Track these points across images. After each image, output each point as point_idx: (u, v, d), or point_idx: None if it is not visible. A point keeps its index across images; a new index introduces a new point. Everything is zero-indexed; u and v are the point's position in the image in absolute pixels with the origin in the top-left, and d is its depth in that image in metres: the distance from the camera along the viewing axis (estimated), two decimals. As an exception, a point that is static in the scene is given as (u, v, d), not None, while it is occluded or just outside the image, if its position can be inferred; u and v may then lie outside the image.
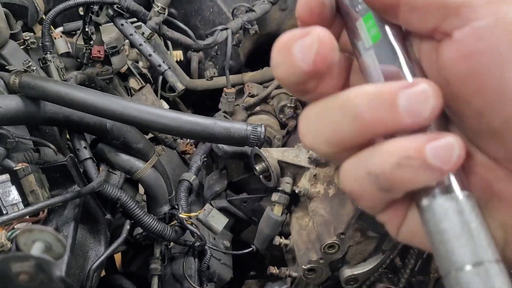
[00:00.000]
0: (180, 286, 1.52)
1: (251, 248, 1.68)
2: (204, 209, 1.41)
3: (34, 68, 1.13)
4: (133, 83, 1.95)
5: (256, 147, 1.61)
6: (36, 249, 0.43)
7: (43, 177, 1.11)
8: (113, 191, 1.28)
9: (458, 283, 0.32)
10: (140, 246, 1.65)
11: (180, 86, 1.33)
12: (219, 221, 1.40)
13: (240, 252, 1.69)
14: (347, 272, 1.49)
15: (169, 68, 1.37)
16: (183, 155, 1.98)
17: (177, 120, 0.97)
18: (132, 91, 1.94)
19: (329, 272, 1.51)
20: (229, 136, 0.98)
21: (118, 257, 2.02)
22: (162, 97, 2.14)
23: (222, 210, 1.78)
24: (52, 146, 1.17)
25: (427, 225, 0.34)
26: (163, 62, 1.35)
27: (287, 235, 1.67)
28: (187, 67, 2.13)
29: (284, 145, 2.03)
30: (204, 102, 2.40)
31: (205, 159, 1.72)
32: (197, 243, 1.54)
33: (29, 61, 1.12)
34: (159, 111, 1.00)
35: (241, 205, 1.76)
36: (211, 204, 1.78)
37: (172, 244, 1.61)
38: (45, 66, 1.30)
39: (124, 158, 1.33)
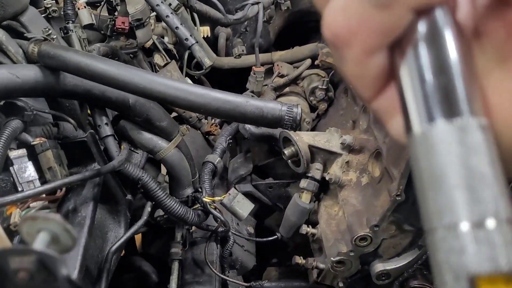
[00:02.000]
0: (201, 272, 1.45)
1: (276, 236, 1.60)
2: (229, 194, 1.33)
3: (55, 36, 1.06)
4: (158, 59, 1.87)
5: (286, 130, 1.52)
6: (40, 241, 0.36)
7: (62, 154, 1.04)
8: (135, 171, 1.21)
9: (445, 246, 0.23)
10: (160, 228, 1.59)
11: (207, 62, 1.24)
12: (245, 207, 1.32)
13: (265, 239, 1.61)
14: (379, 266, 1.39)
15: (197, 42, 1.28)
16: (207, 136, 1.90)
17: (206, 97, 0.89)
18: (157, 67, 1.87)
19: (359, 266, 1.42)
20: (262, 116, 0.89)
21: (138, 237, 1.98)
22: (187, 75, 2.06)
23: (246, 194, 1.70)
24: (72, 121, 1.10)
25: (415, 158, 0.26)
26: (191, 35, 1.26)
27: (314, 224, 1.58)
28: (214, 44, 2.04)
29: (313, 129, 1.93)
30: (230, 81, 2.30)
31: (231, 141, 1.64)
32: (220, 229, 1.47)
33: (49, 29, 1.04)
34: (186, 87, 0.91)
35: (266, 190, 1.68)
36: (235, 188, 1.70)
37: (194, 228, 1.54)
38: (66, 36, 1.22)
39: (147, 137, 1.26)
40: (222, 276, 1.40)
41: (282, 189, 1.68)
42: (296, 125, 0.91)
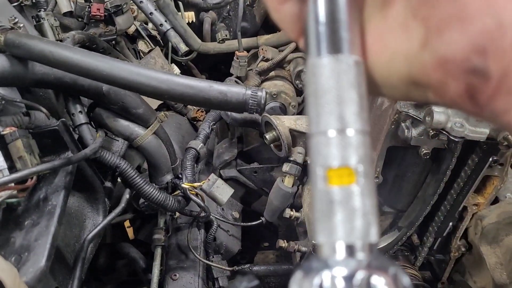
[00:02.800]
0: (185, 257, 1.46)
1: (261, 220, 1.60)
2: (209, 179, 1.34)
3: (21, 25, 1.06)
4: (142, 45, 1.86)
5: (267, 114, 1.51)
6: None
7: (33, 143, 1.04)
8: (112, 158, 1.21)
9: (318, 147, 0.32)
10: (148, 215, 1.60)
11: (183, 48, 1.23)
12: (224, 192, 1.33)
13: (249, 223, 1.62)
14: (360, 248, 1.40)
15: (172, 28, 1.27)
16: (193, 122, 1.90)
17: (168, 83, 0.88)
18: (141, 53, 1.86)
19: (340, 248, 1.42)
20: (226, 101, 0.88)
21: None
22: (174, 61, 2.05)
23: (231, 179, 1.71)
24: (44, 110, 1.10)
25: (307, 81, 0.34)
26: (165, 21, 1.25)
27: (299, 208, 1.59)
28: (200, 30, 2.02)
29: (300, 113, 1.92)
30: (219, 67, 2.30)
31: (214, 126, 1.64)
32: (202, 214, 1.48)
33: (15, 17, 1.04)
34: (149, 73, 0.91)
35: (251, 175, 1.68)
36: (220, 174, 1.71)
37: (177, 214, 1.55)
38: (38, 25, 1.22)
39: (123, 124, 1.26)
40: (205, 261, 1.41)
41: (267, 173, 1.68)
42: (261, 109, 0.91)
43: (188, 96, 0.88)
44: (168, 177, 1.34)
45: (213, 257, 1.50)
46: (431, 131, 1.07)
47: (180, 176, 1.37)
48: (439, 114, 1.00)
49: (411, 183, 1.28)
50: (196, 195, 1.37)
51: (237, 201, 1.71)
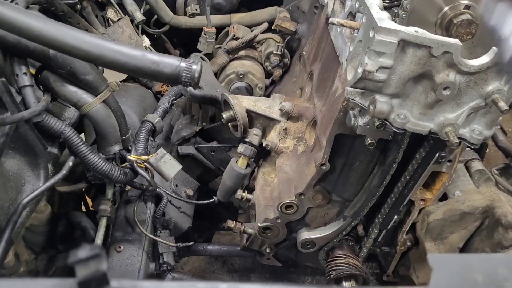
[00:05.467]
0: (131, 230, 1.45)
1: (213, 200, 1.59)
2: (157, 153, 1.31)
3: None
4: (111, 13, 1.81)
5: (225, 93, 1.49)
6: None
7: (-32, 102, 1.01)
8: (56, 124, 1.19)
9: None
10: (103, 185, 1.58)
11: (139, 17, 1.20)
12: (171, 168, 1.31)
13: (201, 202, 1.60)
14: (304, 234, 1.39)
15: (130, -6, 1.23)
16: (158, 96, 1.87)
17: (100, 48, 0.85)
18: (110, 22, 1.82)
19: (286, 233, 1.42)
20: (158, 72, 0.86)
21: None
22: (145, 33, 2.01)
23: (187, 157, 1.69)
24: (-16, 68, 1.06)
25: None
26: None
27: (253, 190, 1.58)
28: (173, 3, 1.98)
29: (267, 96, 1.89)
30: (194, 42, 2.25)
31: (175, 101, 1.61)
32: (151, 188, 1.47)
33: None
34: (82, 36, 0.88)
35: (209, 153, 1.67)
36: (177, 150, 1.69)
37: (129, 187, 1.53)
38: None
39: (71, 90, 1.22)
40: (149, 235, 1.39)
41: (225, 153, 1.66)
42: (195, 83, 0.88)
43: (119, 63, 0.86)
44: (116, 148, 1.32)
45: (160, 232, 1.49)
46: (376, 120, 1.05)
47: (130, 148, 1.35)
48: (382, 104, 0.98)
49: (359, 173, 1.27)
50: (145, 169, 1.35)
51: (193, 179, 1.69)
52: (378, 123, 1.06)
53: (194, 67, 0.87)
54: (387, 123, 1.02)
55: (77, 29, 0.91)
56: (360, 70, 0.94)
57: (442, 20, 0.98)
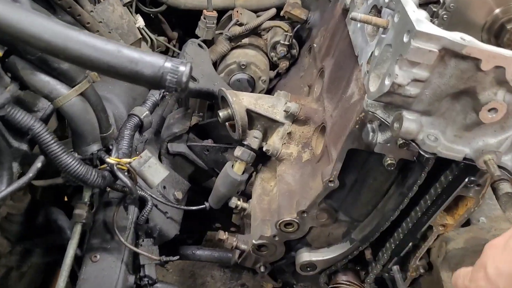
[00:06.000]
0: (110, 238, 1.29)
1: (204, 206, 1.43)
2: (141, 156, 1.14)
3: None
4: (101, -11, 1.62)
5: (223, 89, 1.31)
6: None
7: None
8: (23, 118, 1.01)
9: None
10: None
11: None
12: (156, 174, 1.14)
13: (191, 208, 1.44)
14: (305, 256, 1.23)
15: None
16: (150, 84, 1.69)
17: (65, 38, 0.68)
18: (100, -1, 1.62)
19: (283, 251, 1.26)
20: (136, 73, 0.68)
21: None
22: (140, 12, 1.81)
23: (179, 155, 1.52)
24: None
25: None
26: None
27: (250, 197, 1.41)
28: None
29: (271, 90, 1.72)
30: (195, 24, 2.06)
31: (167, 92, 1.43)
32: (140, 192, 1.31)
33: None
34: (44, 22, 0.70)
35: (202, 153, 1.50)
36: (167, 147, 1.51)
37: (111, 187, 1.37)
38: None
39: (43, 79, 1.04)
40: (129, 246, 1.23)
41: (220, 153, 1.49)
42: (182, 89, 0.71)
43: (88, 58, 0.68)
44: (94, 148, 1.14)
45: (143, 240, 1.33)
46: (399, 139, 0.88)
47: (111, 147, 1.18)
48: (410, 122, 0.81)
49: (371, 193, 1.10)
50: (128, 171, 1.18)
51: (184, 180, 1.53)
52: (401, 142, 0.88)
53: (181, 68, 0.69)
54: (412, 143, 0.85)
55: (39, 13, 0.72)
56: (388, 82, 0.76)
57: (491, 24, 0.80)
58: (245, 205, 1.36)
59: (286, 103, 1.28)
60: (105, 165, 1.18)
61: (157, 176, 1.15)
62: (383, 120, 0.87)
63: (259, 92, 1.67)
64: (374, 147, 0.93)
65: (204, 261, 2.15)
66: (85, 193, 1.28)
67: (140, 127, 1.34)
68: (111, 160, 1.12)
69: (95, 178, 1.12)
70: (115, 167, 1.14)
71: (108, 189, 1.36)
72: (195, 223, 1.83)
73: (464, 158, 0.85)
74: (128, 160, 1.14)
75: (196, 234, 1.91)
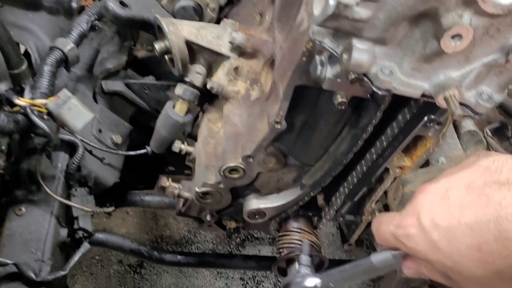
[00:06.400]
0: (36, 189, 1.15)
1: (145, 150, 1.30)
2: (58, 96, 0.99)
3: None
4: None
5: (158, 16, 1.13)
6: None
7: None
8: None
9: None
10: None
11: None
12: (79, 116, 0.99)
13: (130, 153, 1.31)
14: (253, 203, 1.13)
15: None
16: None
17: None
18: None
19: (230, 199, 1.16)
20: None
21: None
22: None
23: (116, 95, 1.36)
24: None
25: None
26: None
27: (196, 139, 1.28)
28: None
29: (219, 20, 1.53)
30: None
31: (97, 22, 1.24)
32: (68, 136, 1.16)
33: None
34: None
35: (142, 91, 1.34)
36: (101, 86, 1.35)
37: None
38: None
39: None
40: (55, 196, 1.11)
41: (162, 92, 1.34)
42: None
43: None
44: (2, 87, 0.98)
45: (76, 190, 1.20)
46: (350, 73, 0.75)
47: (24, 86, 1.02)
48: (361, 53, 0.67)
49: (323, 135, 0.99)
50: (48, 114, 1.03)
51: (124, 122, 1.38)
52: (353, 77, 0.75)
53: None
54: (365, 78, 0.72)
55: None
56: (332, 2, 0.61)
57: None
58: (190, 149, 1.23)
59: (231, 32, 1.12)
60: (18, 107, 1.02)
61: (80, 119, 1.00)
62: (331, 51, 0.73)
63: (208, 22, 1.48)
64: (323, 83, 0.80)
65: (154, 208, 2.06)
66: (2, 139, 1.12)
67: (65, 63, 1.16)
68: (21, 101, 0.96)
69: (5, 123, 0.97)
70: (28, 110, 0.98)
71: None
72: (146, 167, 1.71)
73: (423, 95, 0.73)
74: (42, 101, 0.99)
75: (147, 179, 1.79)
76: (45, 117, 1.04)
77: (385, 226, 0.70)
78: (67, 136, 1.18)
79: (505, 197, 0.57)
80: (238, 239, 2.43)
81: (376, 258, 0.75)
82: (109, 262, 2.48)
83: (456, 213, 0.60)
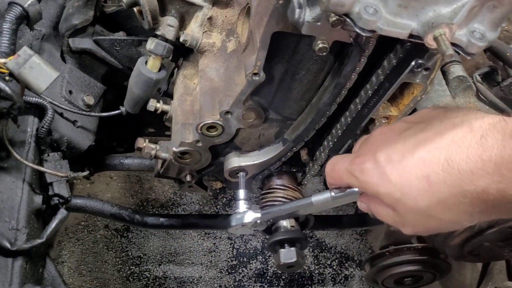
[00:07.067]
0: (6, 155, 1.09)
1: (120, 111, 1.23)
2: (18, 55, 0.91)
3: None
4: None
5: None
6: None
7: None
8: None
9: None
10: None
11: None
12: (42, 76, 0.92)
13: (103, 114, 1.24)
14: (233, 161, 1.09)
15: None
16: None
17: None
18: None
19: (210, 158, 1.11)
20: None
21: None
22: None
23: (84, 53, 1.27)
24: None
25: None
26: None
27: (172, 97, 1.22)
28: None
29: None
30: None
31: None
32: (32, 98, 1.09)
33: None
34: None
35: (112, 48, 1.26)
36: (68, 43, 1.26)
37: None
38: None
39: None
40: (25, 161, 1.05)
41: (133, 48, 1.26)
42: None
43: None
44: (-45, 47, 0.90)
45: (48, 155, 1.14)
46: (331, 15, 0.69)
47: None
48: (342, -10, 0.61)
49: (304, 86, 0.93)
50: (10, 74, 0.96)
51: (96, 82, 1.30)
52: (334, 19, 0.69)
53: None
54: (347, 19, 0.66)
55: None
56: None
57: None
58: (166, 107, 1.17)
59: (205, -21, 1.04)
60: (-25, 69, 0.94)
61: (44, 79, 0.93)
62: (309, -10, 0.67)
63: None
64: (302, 27, 0.74)
65: (134, 171, 2.01)
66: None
67: (26, 19, 1.08)
68: (-23, 60, 0.88)
69: (-38, 83, 0.89)
70: (-12, 70, 0.91)
71: None
72: (125, 129, 1.64)
73: (410, 35, 0.67)
74: (1, 60, 0.91)
75: (127, 141, 1.73)
76: (7, 78, 0.97)
77: (340, 164, 0.73)
78: (34, 98, 1.10)
79: (457, 133, 0.61)
80: (225, 199, 2.41)
81: (316, 197, 0.86)
82: (96, 227, 2.46)
83: (411, 148, 0.64)
